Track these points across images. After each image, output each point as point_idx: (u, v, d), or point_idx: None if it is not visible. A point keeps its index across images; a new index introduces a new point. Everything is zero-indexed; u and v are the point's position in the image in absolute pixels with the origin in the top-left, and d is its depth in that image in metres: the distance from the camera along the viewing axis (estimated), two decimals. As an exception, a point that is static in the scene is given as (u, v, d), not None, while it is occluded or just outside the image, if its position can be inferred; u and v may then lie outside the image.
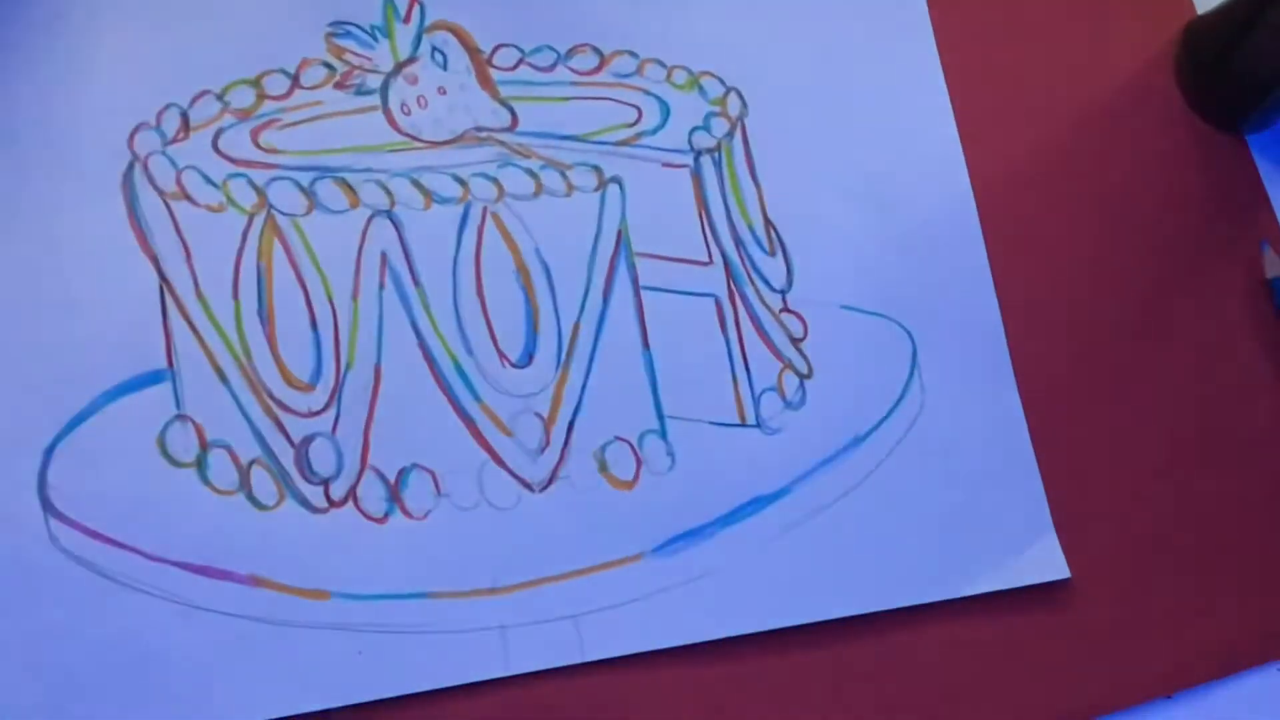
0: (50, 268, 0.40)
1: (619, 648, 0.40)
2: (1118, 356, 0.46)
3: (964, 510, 0.43)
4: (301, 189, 0.42)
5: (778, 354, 0.44)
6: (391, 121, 0.43)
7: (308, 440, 0.40)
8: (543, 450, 0.41)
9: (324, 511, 0.40)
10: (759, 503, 0.42)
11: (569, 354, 0.42)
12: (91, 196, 0.40)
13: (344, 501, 0.40)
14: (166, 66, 0.42)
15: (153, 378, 0.40)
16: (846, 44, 0.47)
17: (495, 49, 0.44)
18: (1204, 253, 0.49)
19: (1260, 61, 0.47)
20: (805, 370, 0.44)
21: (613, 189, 0.44)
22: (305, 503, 0.40)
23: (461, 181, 0.43)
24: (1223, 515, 0.46)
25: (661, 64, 0.45)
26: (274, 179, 0.41)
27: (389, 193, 0.42)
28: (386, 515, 0.40)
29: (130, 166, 0.41)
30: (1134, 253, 0.48)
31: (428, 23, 0.44)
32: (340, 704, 0.38)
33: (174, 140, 0.41)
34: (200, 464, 0.39)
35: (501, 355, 0.42)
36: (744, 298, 0.44)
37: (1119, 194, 0.48)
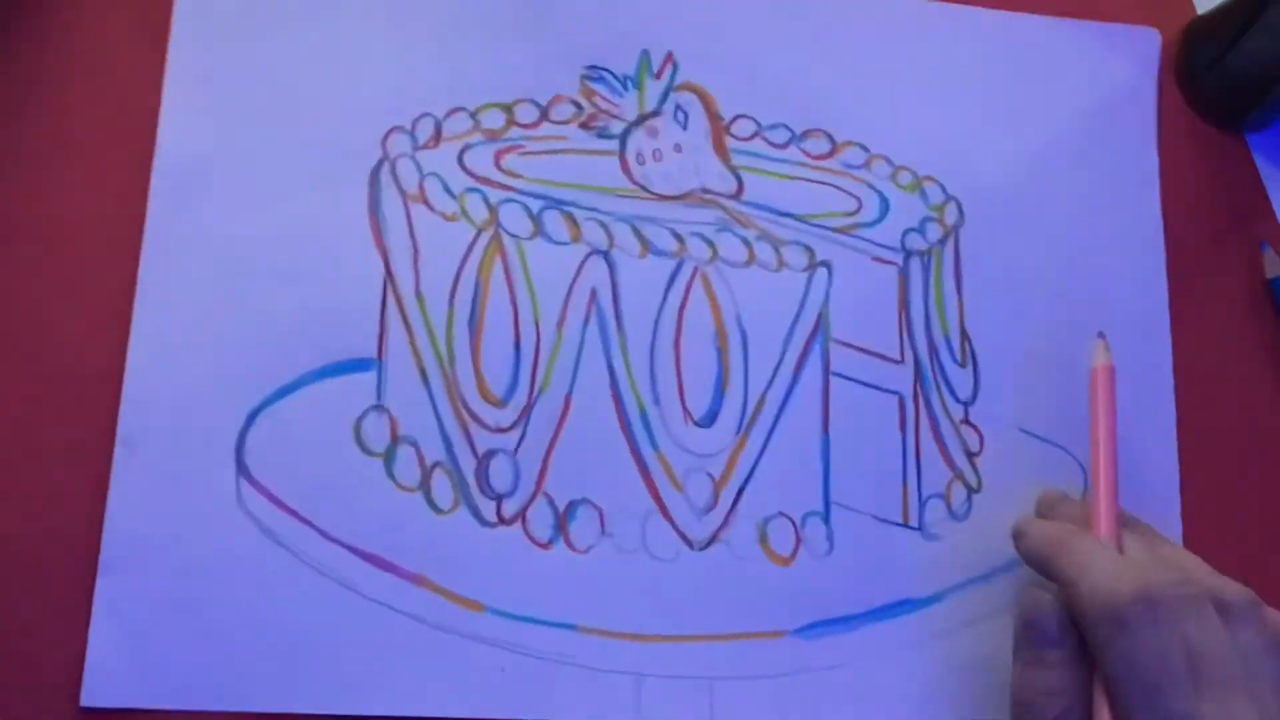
0: (288, 243, 0.42)
1: (747, 719, 0.40)
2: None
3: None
4: (530, 214, 0.43)
5: (950, 463, 0.44)
6: (625, 168, 0.44)
7: (490, 454, 0.41)
8: (709, 510, 0.42)
9: (493, 526, 0.41)
10: (908, 605, 0.42)
11: (751, 422, 0.43)
12: (339, 184, 0.42)
13: (514, 520, 0.41)
14: (430, 78, 0.44)
15: (361, 365, 0.41)
16: (1072, 177, 0.48)
17: (735, 118, 0.46)
18: (1204, 253, 0.49)
19: (1260, 61, 0.47)
20: (975, 484, 0.44)
21: (821, 272, 0.45)
22: (478, 514, 0.41)
23: (679, 238, 0.44)
24: (1222, 514, 0.45)
25: (889, 161, 0.46)
26: (506, 200, 0.43)
27: (609, 234, 0.43)
28: (550, 542, 0.41)
29: (379, 164, 0.43)
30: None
31: (677, 81, 0.46)
32: (476, 716, 0.39)
33: (423, 147, 0.43)
34: (389, 456, 0.41)
35: (686, 411, 0.43)
36: (928, 402, 0.44)
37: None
